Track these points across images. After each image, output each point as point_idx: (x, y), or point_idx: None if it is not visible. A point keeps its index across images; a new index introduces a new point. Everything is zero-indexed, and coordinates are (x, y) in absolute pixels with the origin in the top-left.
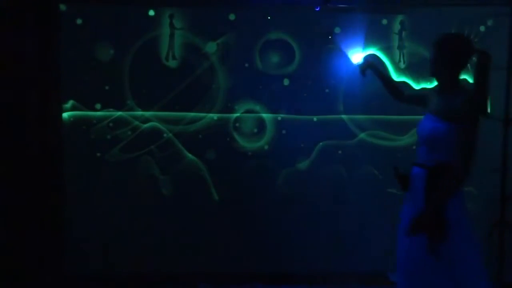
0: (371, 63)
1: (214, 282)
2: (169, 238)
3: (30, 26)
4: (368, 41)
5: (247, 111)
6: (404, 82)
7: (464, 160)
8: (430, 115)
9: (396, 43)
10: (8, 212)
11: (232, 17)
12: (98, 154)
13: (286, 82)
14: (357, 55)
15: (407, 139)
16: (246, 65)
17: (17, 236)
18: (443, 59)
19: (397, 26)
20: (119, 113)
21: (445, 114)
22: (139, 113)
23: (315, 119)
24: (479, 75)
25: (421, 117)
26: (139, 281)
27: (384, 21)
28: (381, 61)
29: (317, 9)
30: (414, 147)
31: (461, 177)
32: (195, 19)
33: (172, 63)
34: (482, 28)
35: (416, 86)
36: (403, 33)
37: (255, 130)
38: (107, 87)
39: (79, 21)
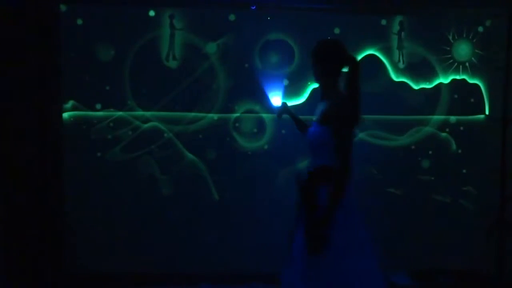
0: (287, 109)
1: (214, 282)
2: (169, 238)
3: (30, 26)
4: (367, 42)
5: (247, 111)
6: None
7: (340, 161)
8: (313, 122)
9: (395, 43)
10: (8, 212)
11: (232, 17)
12: (99, 154)
13: (286, 82)
14: (276, 98)
15: (407, 139)
16: (246, 65)
17: (17, 236)
18: (317, 67)
19: (396, 27)
20: (120, 113)
21: (320, 118)
22: (140, 113)
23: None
24: (350, 82)
25: (421, 117)
26: (139, 281)
27: (383, 22)
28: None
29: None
30: (413, 147)
31: (340, 178)
32: (195, 20)
33: (172, 63)
34: (480, 29)
35: (416, 86)
36: (402, 34)
37: (255, 130)
38: (107, 87)
39: (79, 21)
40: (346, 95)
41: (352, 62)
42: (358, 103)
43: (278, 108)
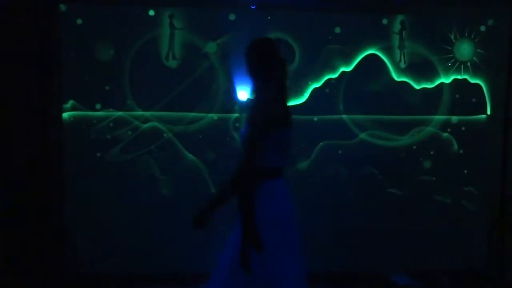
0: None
1: None
2: (169, 238)
3: (30, 26)
4: (368, 41)
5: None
6: None
7: (244, 161)
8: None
9: (396, 43)
10: (8, 212)
11: (232, 17)
12: (98, 154)
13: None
14: (242, 92)
15: (407, 139)
16: None
17: (17, 236)
18: (250, 66)
19: (397, 26)
20: (119, 113)
21: (247, 119)
22: (139, 113)
23: (315, 119)
24: (278, 83)
25: (423, 117)
26: (139, 281)
27: (385, 21)
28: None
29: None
30: (414, 147)
31: (237, 177)
32: (195, 19)
33: (172, 63)
34: (482, 28)
35: (417, 86)
36: (404, 33)
37: None
38: (107, 87)
39: (79, 21)
40: (274, 96)
41: (281, 64)
42: (286, 105)
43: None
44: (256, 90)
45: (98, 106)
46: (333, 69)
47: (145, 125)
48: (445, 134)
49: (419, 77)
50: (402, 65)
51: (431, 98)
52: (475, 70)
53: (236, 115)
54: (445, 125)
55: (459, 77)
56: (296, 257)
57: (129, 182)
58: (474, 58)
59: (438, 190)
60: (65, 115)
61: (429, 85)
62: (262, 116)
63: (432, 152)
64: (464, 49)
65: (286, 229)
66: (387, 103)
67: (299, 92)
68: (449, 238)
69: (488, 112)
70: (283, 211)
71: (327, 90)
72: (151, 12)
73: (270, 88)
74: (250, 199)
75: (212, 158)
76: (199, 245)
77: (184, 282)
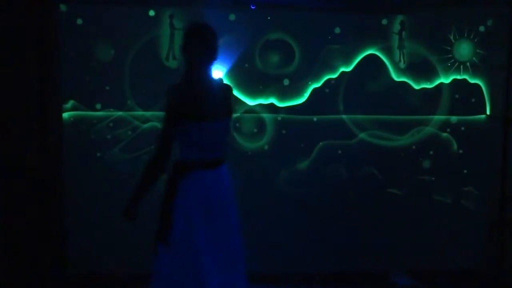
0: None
1: None
2: None
3: (30, 26)
4: (367, 41)
5: (247, 111)
6: None
7: (154, 150)
8: None
9: (396, 43)
10: (8, 212)
11: (232, 17)
12: (98, 154)
13: (286, 82)
14: (218, 72)
15: (407, 139)
16: (246, 65)
17: (17, 235)
18: (205, 53)
19: (397, 26)
20: (119, 113)
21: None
22: (139, 113)
23: (315, 119)
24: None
25: (422, 117)
26: (139, 282)
27: (384, 21)
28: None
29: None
30: (414, 147)
31: (146, 167)
32: (195, 19)
33: (172, 63)
34: (482, 28)
35: (417, 86)
36: (403, 33)
37: (255, 130)
38: (107, 87)
39: (79, 21)
40: (182, 85)
41: (196, 50)
42: (205, 96)
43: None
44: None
45: (98, 106)
46: (333, 69)
47: (145, 125)
48: (445, 134)
49: (418, 77)
50: (402, 65)
51: (431, 98)
52: (475, 70)
53: (236, 115)
54: (444, 125)
55: (458, 77)
56: (226, 251)
57: (129, 182)
58: (474, 58)
59: (438, 190)
60: (65, 115)
61: (429, 85)
62: (166, 105)
63: (431, 152)
64: (464, 49)
65: (212, 222)
66: (386, 103)
67: (299, 92)
68: (449, 238)
69: (488, 112)
70: (209, 203)
71: (327, 90)
72: (151, 12)
73: (182, 76)
74: (169, 190)
75: None
76: None
77: None
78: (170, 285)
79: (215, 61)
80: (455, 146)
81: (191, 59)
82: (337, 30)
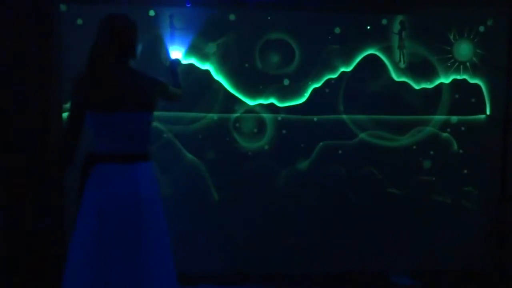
0: (175, 65)
1: (214, 282)
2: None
3: (30, 26)
4: (367, 41)
5: (247, 111)
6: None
7: None
8: None
9: (396, 43)
10: (8, 212)
11: (232, 17)
12: None
13: (286, 82)
14: (176, 53)
15: (407, 139)
16: (246, 65)
17: (16, 236)
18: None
19: (397, 26)
20: None
21: None
22: None
23: (315, 119)
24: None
25: (422, 117)
26: None
27: (384, 21)
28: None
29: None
30: (414, 147)
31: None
32: (195, 20)
33: None
34: (481, 29)
35: (417, 86)
36: (403, 33)
37: (255, 130)
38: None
39: (79, 21)
40: (84, 74)
41: (100, 43)
42: (102, 86)
43: (173, 61)
44: None
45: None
46: (333, 69)
47: None
48: (445, 134)
49: (418, 77)
50: (402, 65)
51: (431, 98)
52: (475, 70)
53: (236, 115)
54: (444, 125)
55: (458, 77)
56: (136, 248)
57: None
58: (474, 58)
59: (438, 190)
60: (65, 115)
61: (429, 85)
62: (70, 95)
63: (431, 152)
64: (464, 49)
65: (113, 216)
66: (387, 103)
67: (299, 92)
68: (449, 238)
69: (488, 112)
70: (110, 197)
71: (327, 90)
72: (151, 12)
73: (87, 66)
74: (80, 181)
75: (212, 158)
76: (199, 245)
77: (183, 282)
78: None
79: (131, 54)
80: (455, 146)
81: (97, 49)
82: (337, 30)
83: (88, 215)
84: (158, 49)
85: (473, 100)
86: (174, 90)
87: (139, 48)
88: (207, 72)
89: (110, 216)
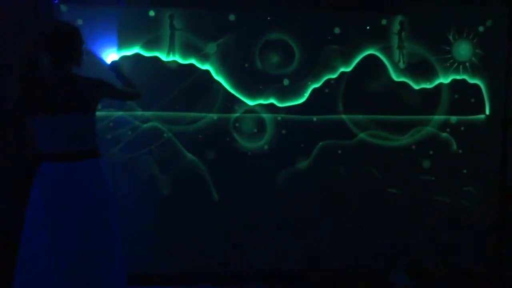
0: (117, 67)
1: (214, 282)
2: (168, 238)
3: (30, 25)
4: (367, 41)
5: (247, 111)
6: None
7: None
8: None
9: (395, 43)
10: (8, 213)
11: (232, 17)
12: None
13: (286, 82)
14: (111, 56)
15: (407, 139)
16: (246, 65)
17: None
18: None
19: (396, 27)
20: (119, 113)
21: None
22: (139, 113)
23: (315, 119)
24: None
25: (422, 117)
26: (139, 282)
27: (384, 22)
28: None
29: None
30: (414, 147)
31: None
32: (195, 20)
33: (172, 64)
34: (481, 29)
35: (416, 86)
36: (403, 34)
37: (255, 130)
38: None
39: (79, 21)
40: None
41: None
42: (41, 89)
43: (111, 65)
44: None
45: (98, 106)
46: (333, 69)
47: (145, 125)
48: (444, 134)
49: (418, 77)
50: (401, 65)
51: (430, 98)
52: (474, 70)
53: (236, 115)
54: (444, 125)
55: (458, 77)
56: (85, 246)
57: (129, 182)
58: (473, 58)
59: (438, 190)
60: None
61: (428, 85)
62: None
63: (431, 152)
64: (463, 50)
65: (58, 214)
66: (386, 103)
67: (299, 92)
68: (448, 238)
69: (487, 112)
70: (61, 197)
71: (326, 90)
72: (151, 13)
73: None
74: (26, 180)
75: (212, 158)
76: (198, 245)
77: (183, 282)
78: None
79: (68, 60)
80: (454, 146)
81: (32, 55)
82: (337, 30)
83: (35, 213)
84: (158, 49)
85: (472, 100)
86: (124, 89)
87: (83, 54)
88: (207, 72)
89: (56, 213)
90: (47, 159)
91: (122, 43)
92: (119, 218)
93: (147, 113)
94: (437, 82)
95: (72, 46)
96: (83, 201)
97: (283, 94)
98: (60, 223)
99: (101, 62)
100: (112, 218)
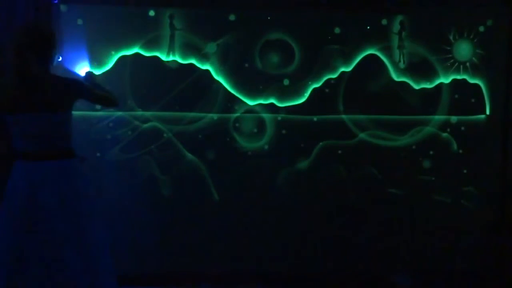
0: (92, 78)
1: (214, 282)
2: (169, 238)
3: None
4: (367, 41)
5: (247, 111)
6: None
7: None
8: None
9: (396, 43)
10: None
11: (232, 17)
12: (98, 154)
13: (286, 82)
14: (83, 68)
15: (407, 139)
16: (246, 65)
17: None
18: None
19: (396, 26)
20: (119, 113)
21: None
22: (139, 113)
23: (315, 119)
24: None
25: (422, 117)
26: (139, 281)
27: (384, 21)
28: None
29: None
30: (414, 147)
31: None
32: (195, 20)
33: (172, 64)
34: (481, 29)
35: (416, 86)
36: (403, 33)
37: (255, 130)
38: (107, 87)
39: (79, 21)
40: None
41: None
42: (12, 88)
43: (86, 76)
44: None
45: (98, 106)
46: (333, 69)
47: (145, 125)
48: (445, 134)
49: (418, 77)
50: (402, 65)
51: (431, 98)
52: (474, 70)
53: (236, 115)
54: (444, 125)
55: (458, 77)
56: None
57: (129, 182)
58: (473, 58)
59: (438, 190)
60: None
61: (429, 85)
62: None
63: (431, 152)
64: (463, 50)
65: (32, 212)
66: (386, 103)
67: (299, 92)
68: (448, 238)
69: (488, 112)
70: (33, 196)
71: (326, 90)
72: (151, 13)
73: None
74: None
75: (212, 158)
76: (198, 245)
77: (182, 282)
78: None
79: (51, 59)
80: (455, 146)
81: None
82: (337, 30)
83: (9, 211)
84: (158, 49)
85: (473, 100)
86: (100, 93)
87: (57, 55)
88: (207, 72)
89: (30, 211)
90: (20, 158)
91: (122, 43)
92: (105, 220)
93: (147, 113)
94: (437, 82)
95: (53, 47)
96: (54, 202)
97: (283, 94)
98: (30, 224)
99: (74, 74)
100: (88, 221)
